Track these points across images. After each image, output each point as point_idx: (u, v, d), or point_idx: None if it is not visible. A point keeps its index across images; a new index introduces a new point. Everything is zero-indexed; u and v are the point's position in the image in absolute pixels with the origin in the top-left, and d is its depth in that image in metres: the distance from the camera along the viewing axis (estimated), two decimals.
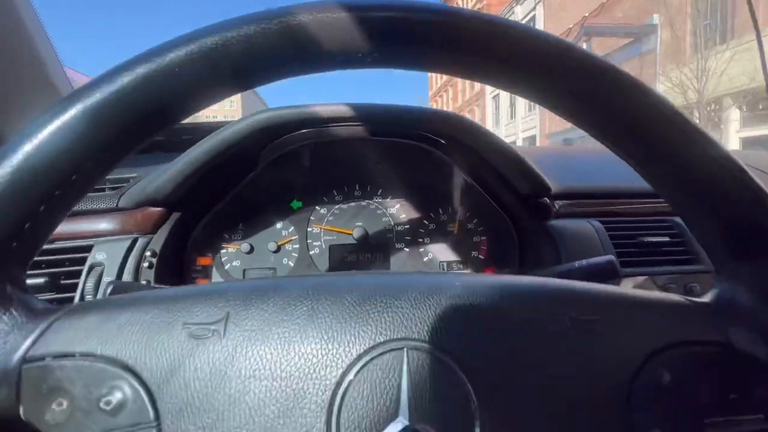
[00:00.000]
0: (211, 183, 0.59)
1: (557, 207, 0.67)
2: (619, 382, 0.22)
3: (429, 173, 0.69)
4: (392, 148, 0.65)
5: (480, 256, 0.72)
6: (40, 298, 0.52)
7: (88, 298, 0.51)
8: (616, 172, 0.79)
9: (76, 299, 0.52)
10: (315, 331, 0.20)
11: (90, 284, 0.51)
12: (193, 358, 0.19)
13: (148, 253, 0.55)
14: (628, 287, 0.60)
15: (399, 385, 0.20)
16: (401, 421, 0.19)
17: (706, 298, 0.26)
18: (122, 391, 0.19)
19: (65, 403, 0.19)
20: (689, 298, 0.26)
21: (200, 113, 0.25)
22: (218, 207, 0.62)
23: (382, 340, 0.20)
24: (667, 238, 0.65)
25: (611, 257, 0.43)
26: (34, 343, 0.19)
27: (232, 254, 0.68)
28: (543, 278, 0.25)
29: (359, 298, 0.22)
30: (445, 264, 0.72)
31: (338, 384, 0.20)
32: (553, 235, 0.63)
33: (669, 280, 0.62)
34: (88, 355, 0.19)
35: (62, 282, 0.52)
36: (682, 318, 0.24)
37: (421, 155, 0.65)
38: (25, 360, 0.19)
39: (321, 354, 0.20)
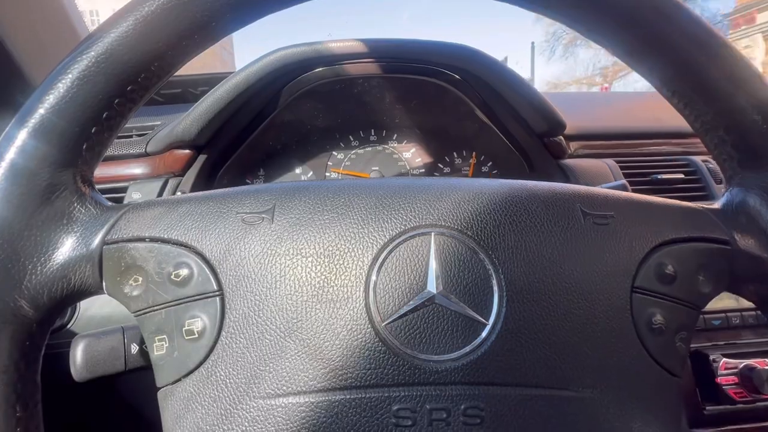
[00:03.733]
0: (233, 125, 0.61)
1: (572, 149, 0.67)
2: (626, 269, 0.24)
3: (444, 113, 0.70)
4: (408, 87, 0.66)
5: None
6: None
7: None
8: (632, 114, 0.79)
9: None
10: (352, 218, 0.23)
11: None
12: (247, 239, 0.22)
13: (179, 193, 0.58)
14: None
15: (427, 263, 0.22)
16: (429, 292, 0.22)
17: (716, 204, 0.28)
18: (188, 267, 0.22)
19: (140, 279, 0.22)
20: (698, 203, 0.27)
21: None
22: (241, 150, 0.65)
23: (412, 225, 0.23)
24: (681, 175, 0.66)
25: (623, 181, 0.44)
26: (109, 230, 0.22)
27: None
28: (554, 183, 0.27)
29: (390, 193, 0.24)
30: None
31: (374, 260, 0.22)
32: (567, 172, 0.64)
33: None
34: (156, 239, 0.22)
35: None
36: (691, 218, 0.26)
37: (436, 93, 0.65)
38: (104, 243, 0.22)
39: (358, 236, 0.23)
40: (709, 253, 0.25)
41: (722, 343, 0.57)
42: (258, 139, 0.65)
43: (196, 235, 0.22)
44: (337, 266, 0.22)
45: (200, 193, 0.25)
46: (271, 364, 0.21)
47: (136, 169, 0.59)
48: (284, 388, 0.21)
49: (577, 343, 0.23)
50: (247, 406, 0.21)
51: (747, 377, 0.53)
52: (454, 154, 0.74)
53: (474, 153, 0.74)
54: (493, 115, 0.66)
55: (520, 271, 0.23)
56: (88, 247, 0.22)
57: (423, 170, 0.74)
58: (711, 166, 0.68)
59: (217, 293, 0.22)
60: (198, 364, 0.21)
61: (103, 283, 0.22)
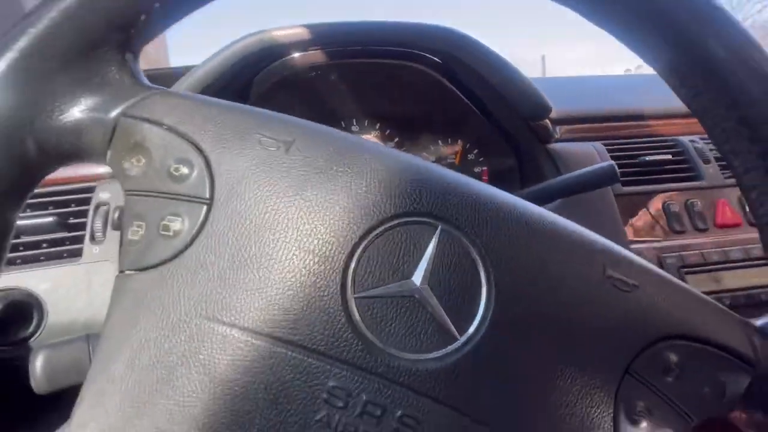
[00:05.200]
0: None
1: (558, 132, 0.66)
2: (629, 345, 0.22)
3: (426, 99, 0.68)
4: (388, 72, 0.64)
5: None
6: (48, 238, 0.53)
7: (98, 236, 0.52)
8: (617, 96, 0.78)
9: (87, 238, 0.53)
10: (366, 180, 0.21)
11: (98, 223, 0.52)
12: (255, 161, 0.21)
13: None
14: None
15: (422, 254, 0.21)
16: (413, 283, 0.21)
17: (758, 321, 0.25)
18: (190, 166, 0.21)
19: (143, 161, 0.22)
20: (737, 315, 0.24)
21: None
22: None
23: (424, 209, 0.21)
24: (668, 156, 0.65)
25: (611, 162, 0.43)
26: (133, 105, 0.22)
27: None
28: (590, 232, 0.24)
29: (416, 169, 0.22)
30: None
31: (369, 230, 0.21)
32: (554, 157, 0.63)
33: (669, 197, 0.62)
34: (172, 129, 0.22)
35: (70, 222, 0.53)
36: (722, 321, 0.23)
37: (418, 77, 0.63)
38: (123, 114, 0.22)
39: (363, 199, 0.21)
40: (728, 367, 0.23)
41: None
42: None
43: (211, 139, 0.22)
44: (332, 221, 0.21)
45: (230, 103, 0.24)
46: (229, 290, 0.20)
47: (102, 167, 0.56)
48: (232, 318, 0.20)
49: (543, 401, 0.21)
50: (191, 323, 0.20)
51: None
52: (439, 142, 0.72)
53: (460, 141, 0.72)
54: (477, 99, 0.64)
55: (514, 302, 0.21)
56: (108, 113, 0.22)
57: None
58: (698, 145, 0.67)
59: (207, 201, 0.21)
60: (160, 262, 0.21)
61: (108, 153, 0.22)
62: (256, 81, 0.59)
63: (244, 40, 0.54)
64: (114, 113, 0.22)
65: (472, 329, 0.20)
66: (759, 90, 0.22)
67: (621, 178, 0.63)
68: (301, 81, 0.63)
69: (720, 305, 0.24)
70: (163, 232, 0.21)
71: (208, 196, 0.21)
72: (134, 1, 0.22)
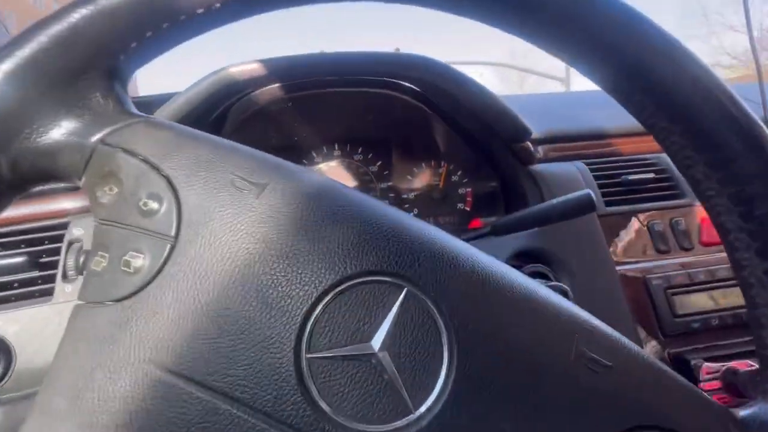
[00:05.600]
0: None
1: (540, 152, 0.66)
2: (597, 428, 0.21)
3: (407, 124, 0.68)
4: (365, 101, 0.64)
5: (466, 207, 0.72)
6: (20, 277, 0.51)
7: (71, 274, 0.51)
8: (599, 113, 0.78)
9: (59, 276, 0.51)
10: (334, 233, 0.21)
11: (71, 261, 0.51)
12: (225, 203, 0.21)
13: None
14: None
15: (385, 317, 0.20)
16: (370, 347, 0.20)
17: (740, 411, 0.24)
18: (160, 201, 0.21)
19: (115, 190, 0.21)
20: (718, 403, 0.23)
21: None
22: None
23: (392, 269, 0.20)
24: (651, 175, 0.65)
25: (588, 191, 0.43)
26: (113, 132, 0.22)
27: None
28: (564, 300, 0.23)
29: (389, 222, 0.22)
30: (431, 219, 0.71)
31: (333, 286, 0.20)
32: (536, 179, 0.63)
33: (652, 216, 0.62)
34: (147, 161, 0.22)
35: (42, 260, 0.52)
36: (702, 412, 0.22)
37: (395, 105, 0.63)
38: (101, 141, 0.22)
39: (329, 255, 0.20)
40: None
41: (702, 346, 0.55)
42: None
43: (184, 174, 0.21)
44: (294, 274, 0.20)
45: (209, 137, 0.24)
46: (181, 337, 0.20)
47: (76, 202, 0.55)
48: (181, 367, 0.19)
49: None
50: (139, 367, 0.19)
51: (730, 381, 0.52)
52: (422, 164, 0.72)
53: (444, 163, 0.72)
54: (457, 124, 0.64)
55: (477, 377, 0.20)
56: (86, 139, 0.22)
57: (390, 183, 0.71)
58: None
59: (171, 239, 0.21)
60: (118, 299, 0.20)
61: (83, 178, 0.22)
62: (233, 110, 0.58)
63: (223, 71, 0.54)
64: (93, 139, 0.22)
65: (429, 402, 0.19)
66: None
67: (604, 198, 0.63)
68: (280, 109, 0.62)
69: (699, 391, 0.23)
70: (124, 268, 0.20)
71: (173, 233, 0.21)
72: (125, 30, 0.21)
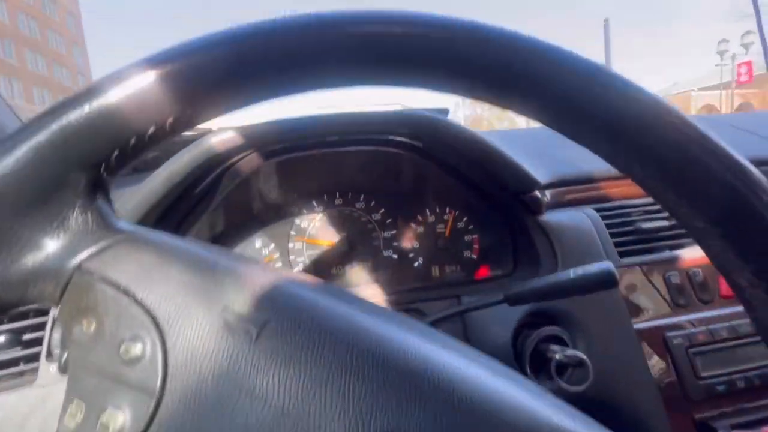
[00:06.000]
0: (171, 218, 0.54)
1: (548, 197, 0.64)
2: None
3: (411, 177, 0.65)
4: (368, 157, 0.61)
5: (473, 255, 0.69)
6: (3, 355, 0.48)
7: (56, 351, 0.48)
8: None
9: (43, 353, 0.48)
10: (356, 390, 0.18)
11: (56, 336, 0.48)
12: (217, 350, 0.18)
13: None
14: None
15: None
16: None
17: None
18: (143, 345, 0.19)
19: (93, 327, 0.19)
20: None
21: None
22: (191, 233, 0.58)
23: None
24: (665, 222, 0.63)
25: (608, 266, 0.40)
26: (91, 256, 0.20)
27: None
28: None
29: (402, 375, 0.18)
30: (437, 268, 0.69)
31: None
32: (547, 230, 0.60)
33: (669, 267, 0.59)
34: (129, 293, 0.19)
35: (26, 337, 0.48)
36: None
37: (398, 160, 0.61)
38: (79, 268, 0.20)
39: (330, 421, 0.17)
40: None
41: (729, 410, 0.52)
42: (204, 224, 0.59)
43: (169, 312, 0.19)
44: None
45: (198, 253, 0.21)
46: None
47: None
48: None
49: None
50: None
51: None
52: (427, 211, 0.69)
53: (448, 209, 0.69)
54: (463, 174, 0.62)
55: None
56: (63, 264, 0.20)
57: (394, 232, 0.69)
58: None
59: (155, 396, 0.18)
60: None
61: (59, 307, 0.20)
62: (226, 175, 0.55)
63: (207, 142, 0.51)
64: (70, 265, 0.20)
65: None
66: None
67: (617, 248, 0.61)
68: (275, 169, 0.60)
69: None
70: (99, 430, 0.18)
71: (158, 386, 0.18)
72: (109, 139, 0.19)
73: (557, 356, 0.46)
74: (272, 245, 0.66)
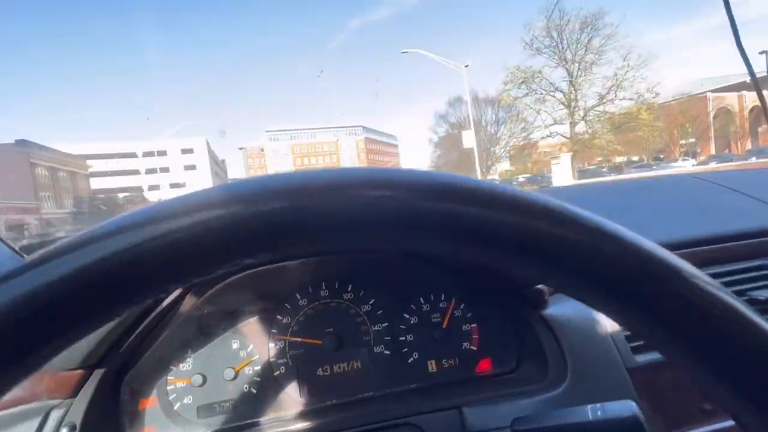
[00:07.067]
0: (138, 333, 0.48)
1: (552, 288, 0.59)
2: None
3: (402, 264, 0.61)
4: (359, 255, 0.57)
5: (472, 347, 0.63)
6: None
7: None
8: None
9: None
10: None
11: None
12: None
13: (64, 430, 0.44)
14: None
15: None
16: None
17: None
18: None
19: None
20: None
21: None
22: (154, 348, 0.52)
23: None
24: None
25: (631, 408, 0.35)
26: None
27: (181, 390, 0.57)
28: None
29: None
30: (433, 363, 0.62)
31: None
32: (551, 325, 0.55)
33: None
34: None
35: None
36: None
37: (389, 257, 0.56)
38: None
39: None
40: None
41: None
42: (176, 332, 0.53)
43: None
44: None
45: None
46: None
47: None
48: None
49: None
50: None
51: None
52: (421, 300, 0.64)
53: (443, 296, 0.64)
54: (458, 268, 0.57)
55: None
56: None
57: (386, 324, 0.63)
58: None
59: None
60: None
61: None
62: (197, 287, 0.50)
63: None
64: None
65: None
66: None
67: (631, 344, 0.56)
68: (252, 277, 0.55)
69: None
70: None
71: None
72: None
73: None
74: (251, 346, 0.60)
